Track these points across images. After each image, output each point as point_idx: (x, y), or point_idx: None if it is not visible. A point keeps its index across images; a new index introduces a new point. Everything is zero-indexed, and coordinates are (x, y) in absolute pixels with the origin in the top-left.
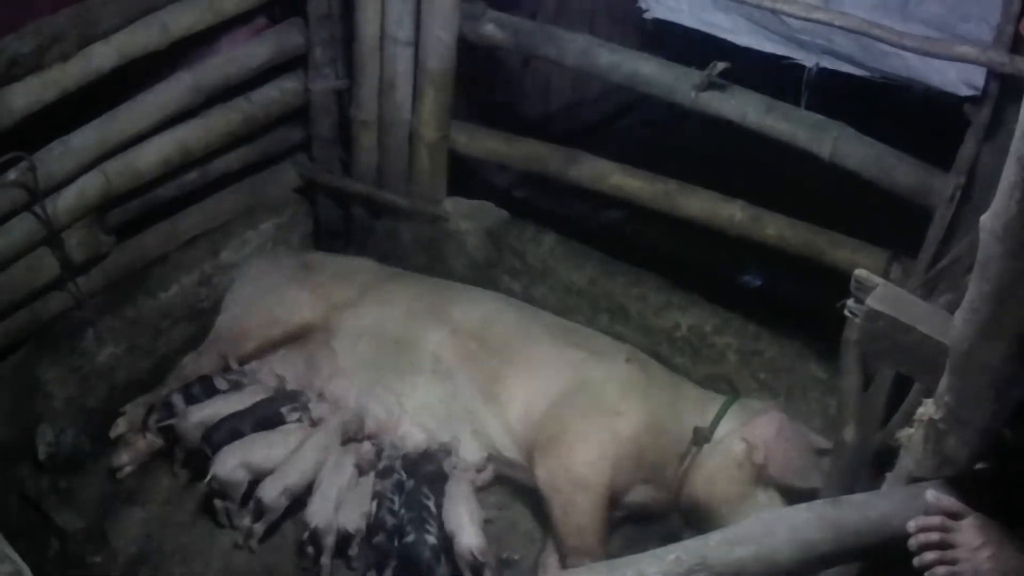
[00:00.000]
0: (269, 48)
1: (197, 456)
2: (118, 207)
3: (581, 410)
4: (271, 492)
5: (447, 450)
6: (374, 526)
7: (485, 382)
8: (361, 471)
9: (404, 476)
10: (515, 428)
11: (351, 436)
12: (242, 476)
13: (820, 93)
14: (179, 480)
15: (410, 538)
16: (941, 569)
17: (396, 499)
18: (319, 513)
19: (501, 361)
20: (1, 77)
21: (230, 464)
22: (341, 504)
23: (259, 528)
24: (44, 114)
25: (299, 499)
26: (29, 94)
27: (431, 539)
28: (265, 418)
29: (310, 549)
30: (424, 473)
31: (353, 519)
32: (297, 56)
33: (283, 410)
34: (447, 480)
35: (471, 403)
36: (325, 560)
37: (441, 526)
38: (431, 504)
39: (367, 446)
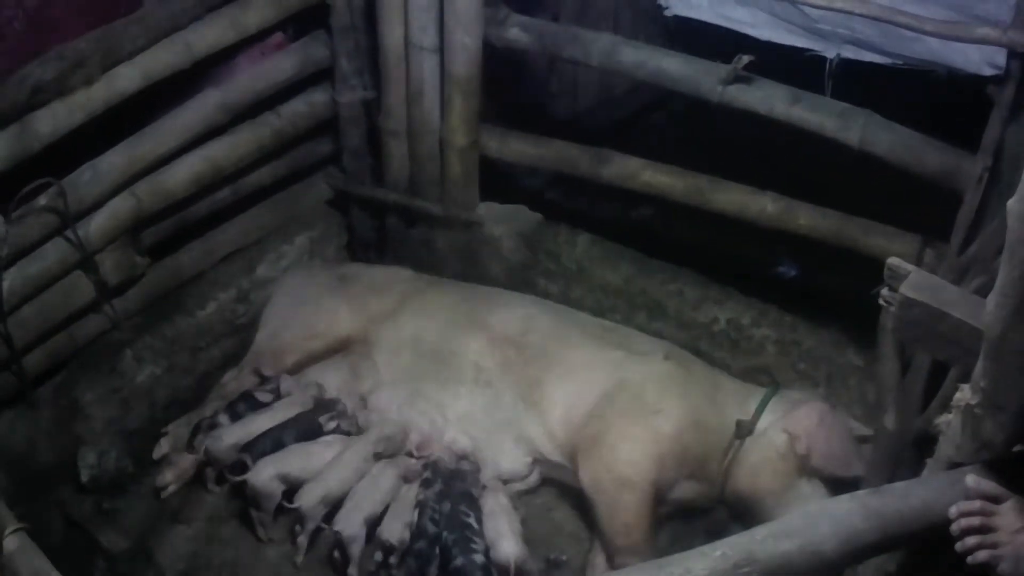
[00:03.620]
0: (295, 62)
1: (232, 472)
2: (151, 227)
3: (622, 410)
4: (309, 499)
5: (476, 469)
6: (416, 533)
7: (526, 388)
8: (406, 480)
9: (442, 490)
10: (557, 432)
11: (395, 449)
12: (277, 487)
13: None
14: (220, 496)
15: (459, 561)
16: (983, 553)
17: (439, 507)
18: (346, 519)
19: (540, 366)
20: (25, 104)
21: (266, 474)
22: (375, 514)
23: (303, 540)
24: (71, 139)
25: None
26: (55, 119)
27: (479, 558)
28: (307, 430)
29: (336, 554)
30: (458, 492)
31: (396, 529)
32: (323, 69)
33: (321, 419)
34: (479, 498)
35: (513, 410)
36: (352, 571)
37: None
38: (472, 520)
39: (413, 460)
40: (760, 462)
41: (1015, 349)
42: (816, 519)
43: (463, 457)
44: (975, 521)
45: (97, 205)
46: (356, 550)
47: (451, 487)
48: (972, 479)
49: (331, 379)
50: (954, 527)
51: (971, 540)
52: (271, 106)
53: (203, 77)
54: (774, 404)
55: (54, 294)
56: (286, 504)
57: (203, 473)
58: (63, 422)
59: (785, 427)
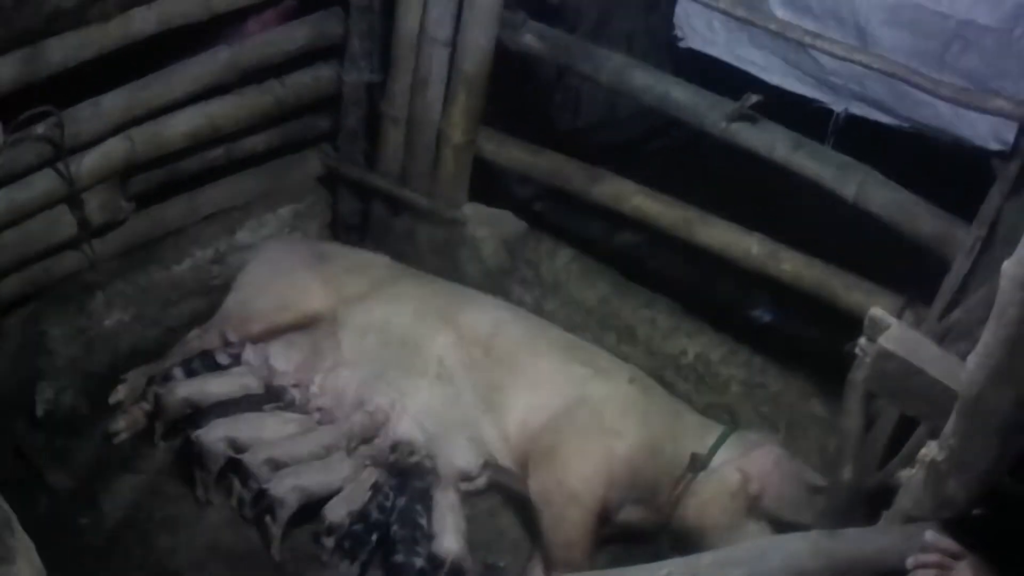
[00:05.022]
0: (307, 33)
1: (178, 429)
2: (141, 174)
3: (580, 426)
4: (254, 458)
5: (434, 467)
6: (359, 513)
7: (487, 390)
8: (374, 464)
9: (400, 484)
10: (512, 438)
11: (364, 438)
12: (223, 449)
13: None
14: (169, 452)
15: (399, 558)
16: None
17: (392, 495)
18: (278, 481)
19: (504, 371)
20: (41, 29)
21: (215, 434)
22: (312, 488)
23: (244, 492)
24: (78, 72)
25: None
26: (66, 49)
27: (419, 561)
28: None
29: (268, 519)
30: (416, 489)
31: (339, 512)
32: (334, 45)
33: (265, 408)
34: (436, 488)
35: (471, 409)
36: (275, 531)
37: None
38: (424, 522)
39: (381, 445)
40: (711, 497)
41: (990, 411)
42: (766, 551)
43: (412, 452)
44: (931, 573)
45: (92, 143)
46: (283, 515)
47: (409, 483)
48: (931, 535)
49: (293, 354)
50: None
51: None
52: (278, 74)
53: (214, 36)
54: (731, 443)
55: (36, 224)
56: (232, 454)
57: (152, 425)
58: (26, 353)
59: (739, 466)
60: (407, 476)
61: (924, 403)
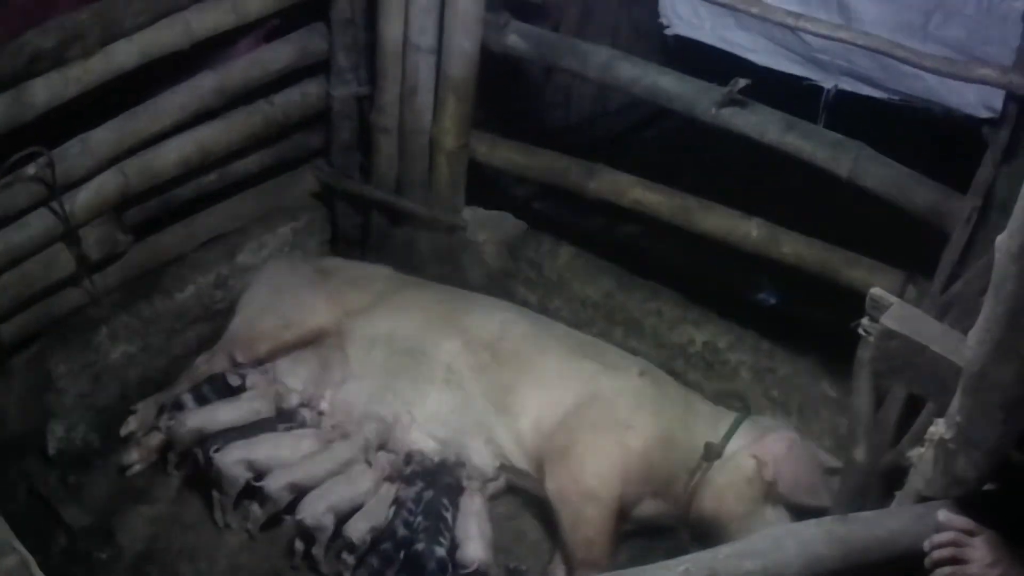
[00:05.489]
0: (292, 52)
1: (192, 458)
2: (136, 206)
3: (593, 422)
4: (275, 483)
5: (461, 463)
6: (385, 532)
7: (497, 393)
8: (390, 478)
9: (425, 485)
10: (526, 439)
11: (380, 445)
12: (241, 472)
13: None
14: (184, 479)
15: (419, 546)
16: None
17: (416, 509)
18: (309, 507)
19: (514, 372)
20: (22, 72)
21: (231, 457)
22: (341, 507)
23: (259, 513)
24: (64, 110)
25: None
26: (50, 89)
27: (440, 551)
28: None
29: (298, 544)
30: (443, 484)
31: (360, 529)
32: (320, 61)
33: (279, 427)
34: (462, 493)
35: (483, 413)
36: (316, 551)
37: (454, 537)
38: (449, 516)
39: (394, 456)
40: (726, 485)
41: (993, 386)
42: (781, 542)
43: (434, 457)
44: (947, 553)
45: (84, 179)
46: (323, 537)
47: (437, 479)
48: (943, 514)
49: (301, 372)
50: (927, 560)
51: (943, 571)
52: (265, 94)
53: (200, 61)
54: (744, 429)
55: (35, 264)
56: (252, 483)
57: (165, 455)
58: (34, 393)
59: (754, 452)
60: (437, 473)
61: (929, 381)
